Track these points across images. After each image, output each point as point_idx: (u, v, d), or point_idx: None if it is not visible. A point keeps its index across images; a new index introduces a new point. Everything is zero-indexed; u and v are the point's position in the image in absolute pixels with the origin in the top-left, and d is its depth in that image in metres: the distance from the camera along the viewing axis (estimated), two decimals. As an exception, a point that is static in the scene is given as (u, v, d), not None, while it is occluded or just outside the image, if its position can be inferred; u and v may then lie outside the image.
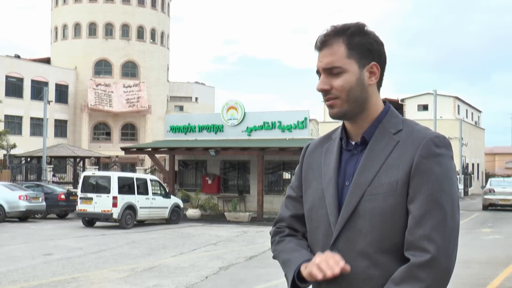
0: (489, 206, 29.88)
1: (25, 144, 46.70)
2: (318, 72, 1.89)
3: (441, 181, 1.76)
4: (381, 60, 1.89)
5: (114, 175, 21.02)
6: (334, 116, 1.88)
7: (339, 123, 1.98)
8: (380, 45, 1.89)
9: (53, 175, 37.63)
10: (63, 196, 24.63)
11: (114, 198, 20.13)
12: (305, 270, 1.81)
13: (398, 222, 1.77)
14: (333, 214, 1.85)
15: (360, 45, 1.84)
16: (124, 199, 20.46)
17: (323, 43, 1.87)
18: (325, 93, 1.86)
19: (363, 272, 1.79)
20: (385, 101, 1.92)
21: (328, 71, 1.85)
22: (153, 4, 60.56)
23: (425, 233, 1.72)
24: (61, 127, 56.36)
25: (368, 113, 1.88)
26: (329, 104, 1.87)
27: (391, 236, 1.77)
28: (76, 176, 39.01)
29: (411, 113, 56.65)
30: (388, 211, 1.77)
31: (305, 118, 26.46)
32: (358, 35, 1.85)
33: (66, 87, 56.97)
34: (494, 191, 29.67)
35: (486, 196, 29.96)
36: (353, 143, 1.91)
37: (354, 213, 1.81)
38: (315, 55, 1.92)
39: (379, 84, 1.91)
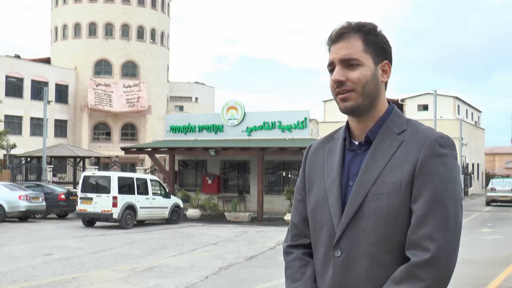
0: (491, 202, 35.10)
1: (25, 144, 46.69)
2: (331, 64, 1.88)
3: (445, 181, 1.75)
4: (391, 61, 1.92)
5: (114, 175, 21.02)
6: (346, 110, 1.86)
7: (339, 123, 1.98)
8: (390, 47, 1.92)
9: (53, 175, 37.62)
10: (63, 196, 24.62)
11: (114, 198, 20.13)
12: None
13: (402, 221, 1.77)
14: (337, 215, 1.84)
15: (375, 42, 1.87)
16: (124, 199, 20.46)
17: (339, 36, 1.87)
18: (340, 84, 1.84)
19: (366, 272, 1.78)
20: (388, 101, 1.92)
21: (345, 62, 1.84)
22: (153, 4, 60.57)
23: (427, 232, 1.71)
24: (61, 127, 56.36)
25: (376, 110, 1.88)
26: (344, 97, 1.84)
27: (395, 236, 1.77)
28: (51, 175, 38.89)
29: (411, 113, 56.63)
30: (392, 210, 1.77)
31: (305, 118, 26.47)
32: (373, 34, 1.87)
33: (66, 87, 56.97)
34: (495, 189, 35.19)
35: (488, 194, 35.51)
36: (357, 143, 1.91)
37: (357, 213, 1.80)
38: (328, 49, 1.91)
39: (386, 84, 1.93)
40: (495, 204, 35.14)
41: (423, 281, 1.69)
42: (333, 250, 1.83)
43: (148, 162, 45.35)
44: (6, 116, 48.96)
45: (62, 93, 56.37)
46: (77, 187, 26.88)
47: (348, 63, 1.84)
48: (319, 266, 1.90)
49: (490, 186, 36.35)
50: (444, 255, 1.70)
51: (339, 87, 1.85)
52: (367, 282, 1.78)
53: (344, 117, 1.95)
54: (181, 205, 23.35)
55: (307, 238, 2.00)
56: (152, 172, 32.60)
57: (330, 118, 54.98)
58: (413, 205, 1.76)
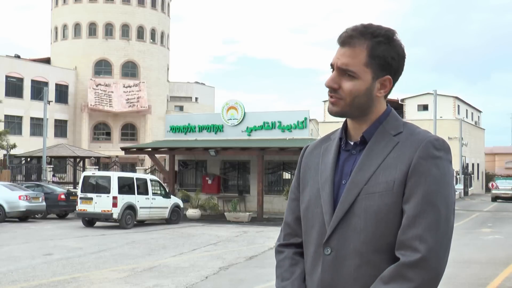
0: (496, 199, 41.51)
1: (25, 144, 46.69)
2: (332, 65, 1.88)
3: (438, 183, 1.75)
4: (397, 75, 1.88)
5: (114, 175, 21.02)
6: (332, 113, 1.89)
7: (339, 123, 1.99)
8: (402, 58, 1.86)
9: (53, 175, 37.62)
10: (63, 196, 24.63)
11: (114, 198, 20.13)
12: None
13: (393, 221, 1.77)
14: (328, 213, 1.84)
15: (382, 56, 1.82)
16: (124, 199, 20.46)
17: (346, 41, 1.83)
18: (331, 90, 1.86)
19: (355, 271, 1.78)
20: (386, 103, 1.92)
21: (342, 71, 1.83)
22: (153, 4, 60.57)
23: (417, 233, 1.71)
24: (61, 127, 56.35)
25: (369, 117, 1.88)
26: (333, 101, 1.86)
27: (385, 235, 1.77)
28: (33, 175, 38.79)
29: (411, 113, 56.65)
30: (383, 210, 1.77)
31: (305, 118, 26.48)
32: (384, 45, 1.82)
33: (66, 87, 56.97)
34: (498, 188, 42.12)
35: (493, 191, 42.19)
36: (352, 143, 1.91)
37: (349, 211, 1.81)
38: (336, 48, 1.89)
39: (386, 95, 1.91)
40: (500, 200, 41.20)
41: (411, 281, 1.68)
42: (323, 248, 1.83)
43: (148, 162, 45.34)
44: (6, 116, 48.96)
45: (62, 93, 56.37)
46: (77, 187, 26.89)
47: (344, 73, 1.83)
48: (309, 264, 1.90)
49: (494, 185, 43.20)
50: (434, 257, 1.70)
51: (330, 92, 1.87)
52: (355, 281, 1.78)
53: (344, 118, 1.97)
54: (181, 205, 23.36)
55: (299, 237, 2.00)
56: (152, 172, 32.60)
57: (330, 118, 54.94)
58: (404, 205, 1.76)
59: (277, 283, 1.99)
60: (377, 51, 1.81)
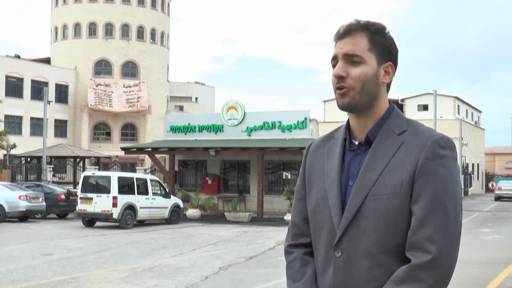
0: (500, 198, 43.74)
1: (25, 144, 46.68)
2: (334, 58, 1.88)
3: (445, 183, 1.76)
4: (396, 64, 1.91)
5: (114, 175, 21.02)
6: (343, 106, 1.86)
7: (339, 123, 1.98)
8: (397, 51, 1.92)
9: (53, 175, 37.61)
10: (63, 196, 24.63)
11: (114, 198, 20.13)
12: None
13: (402, 222, 1.78)
14: (337, 215, 1.85)
15: (381, 43, 1.87)
16: (124, 199, 20.46)
17: (346, 32, 1.87)
18: (340, 80, 1.85)
19: (366, 272, 1.79)
20: (389, 101, 1.92)
21: (348, 58, 1.84)
22: (153, 4, 60.57)
23: (428, 234, 1.72)
24: (61, 127, 56.35)
25: (375, 111, 1.88)
26: (342, 92, 1.85)
27: (395, 236, 1.78)
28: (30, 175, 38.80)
29: (411, 113, 56.61)
30: (392, 211, 1.77)
31: (305, 118, 26.48)
32: (381, 35, 1.87)
33: (66, 87, 56.97)
34: (501, 188, 44.28)
35: (496, 192, 44.61)
36: (356, 143, 1.91)
37: (357, 214, 1.81)
38: (334, 44, 1.91)
39: (388, 86, 1.92)
40: (503, 199, 43.32)
41: (423, 282, 1.70)
42: (333, 250, 1.84)
43: (148, 162, 45.34)
44: (6, 116, 48.95)
45: (62, 93, 56.37)
46: (77, 187, 26.89)
47: (351, 59, 1.84)
48: (320, 266, 1.91)
49: (497, 185, 45.72)
50: (445, 257, 1.71)
51: (339, 83, 1.85)
52: (367, 282, 1.79)
53: (344, 117, 1.96)
54: (181, 205, 23.35)
55: (307, 237, 2.00)
56: (152, 172, 32.60)
57: (330, 118, 54.98)
58: (413, 206, 1.77)
59: (289, 284, 1.99)
60: (376, 38, 1.87)
